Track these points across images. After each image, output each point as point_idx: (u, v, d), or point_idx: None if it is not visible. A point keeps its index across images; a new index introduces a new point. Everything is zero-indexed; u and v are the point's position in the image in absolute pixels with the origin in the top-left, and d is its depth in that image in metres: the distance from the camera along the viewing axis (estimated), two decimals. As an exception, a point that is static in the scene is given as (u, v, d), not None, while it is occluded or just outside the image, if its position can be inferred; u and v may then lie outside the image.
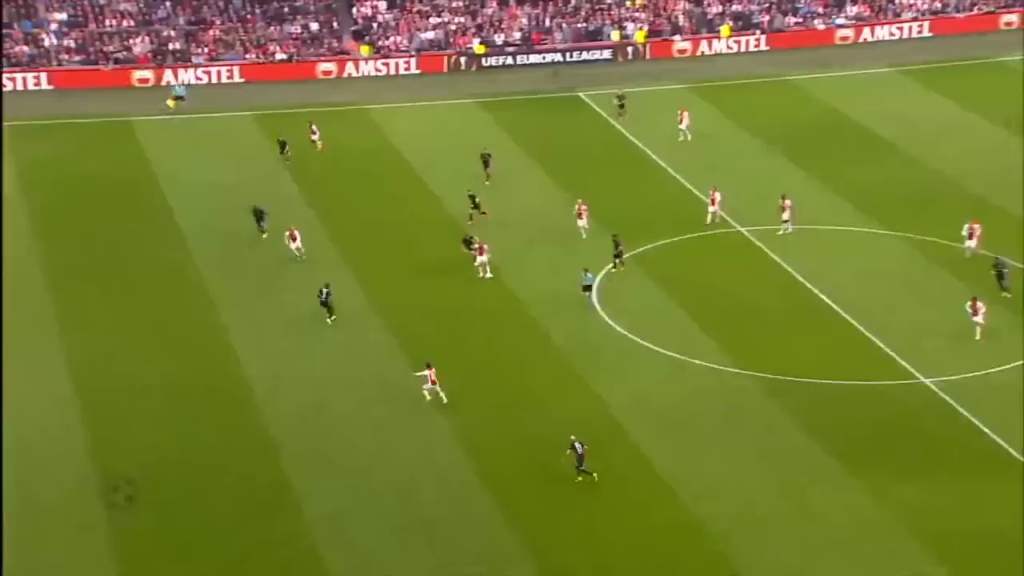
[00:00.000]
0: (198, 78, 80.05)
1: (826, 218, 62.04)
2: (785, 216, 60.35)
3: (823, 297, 54.81)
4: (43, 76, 77.80)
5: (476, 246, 56.50)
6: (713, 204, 61.26)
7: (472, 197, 61.31)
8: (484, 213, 60.85)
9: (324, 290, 52.95)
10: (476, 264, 55.97)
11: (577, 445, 42.86)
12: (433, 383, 46.62)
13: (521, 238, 60.30)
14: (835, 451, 44.67)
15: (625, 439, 45.58)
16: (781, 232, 60.22)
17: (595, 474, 42.96)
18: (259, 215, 59.34)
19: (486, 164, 65.67)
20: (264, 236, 58.21)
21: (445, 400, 46.64)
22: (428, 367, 46.72)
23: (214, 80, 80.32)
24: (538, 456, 44.02)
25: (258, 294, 55.47)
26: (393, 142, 71.34)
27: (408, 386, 48.15)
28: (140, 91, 77.54)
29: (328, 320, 52.81)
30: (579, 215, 59.82)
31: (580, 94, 79.47)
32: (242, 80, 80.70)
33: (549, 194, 65.23)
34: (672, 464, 44.15)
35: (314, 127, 69.41)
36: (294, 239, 57.48)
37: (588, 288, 53.86)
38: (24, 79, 77.21)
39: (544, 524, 41.34)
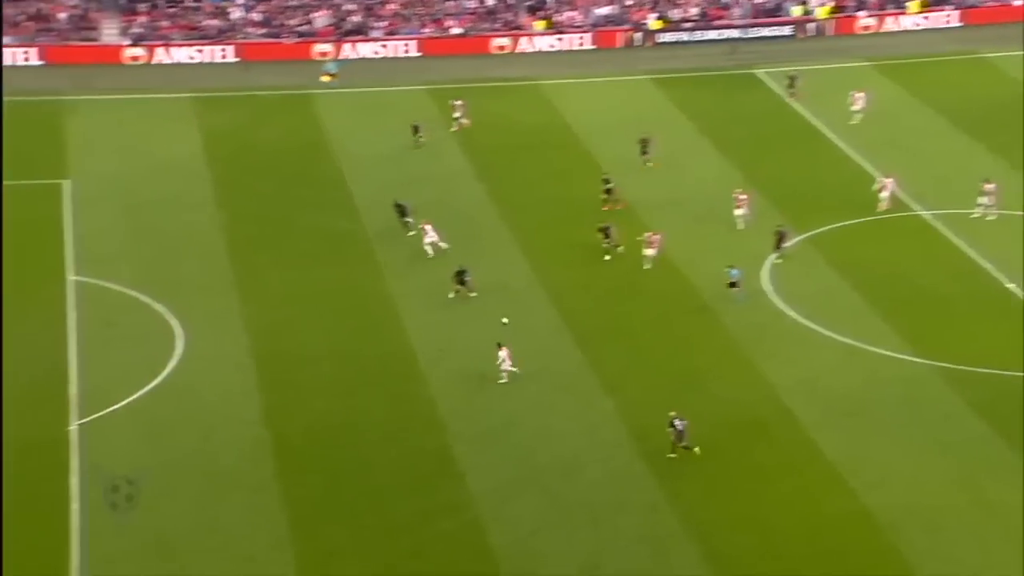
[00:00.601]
0: (375, 52, 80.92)
1: (1015, 203, 59.98)
2: (986, 200, 58.35)
3: (1010, 286, 53.06)
4: (229, 49, 79.41)
5: (610, 239, 55.18)
6: (884, 190, 59.69)
7: (605, 181, 60.50)
8: (617, 201, 59.85)
9: (461, 271, 52.62)
10: (645, 255, 54.94)
11: (677, 422, 42.59)
12: (508, 361, 46.58)
13: (690, 218, 59.72)
14: (1017, 444, 43.31)
15: (794, 424, 44.93)
16: (977, 215, 58.20)
17: (696, 448, 42.57)
18: (402, 211, 57.98)
19: (644, 149, 64.58)
20: (410, 233, 57.43)
21: (517, 372, 46.51)
22: (499, 347, 46.63)
23: (391, 54, 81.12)
24: (703, 438, 43.64)
25: (425, 265, 55.98)
26: (564, 118, 71.23)
27: (572, 363, 48.08)
28: (320, 64, 78.50)
29: (453, 295, 52.21)
30: (738, 205, 58.65)
31: (756, 72, 78.33)
32: (418, 54, 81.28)
33: (721, 174, 64.41)
34: (842, 451, 43.40)
35: (458, 103, 68.89)
36: (426, 234, 56.33)
37: (734, 284, 52.31)
38: (212, 51, 78.97)
39: (708, 508, 41.08)
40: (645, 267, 54.97)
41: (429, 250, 55.93)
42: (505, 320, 47.53)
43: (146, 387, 47.11)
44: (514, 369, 46.63)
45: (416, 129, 66.98)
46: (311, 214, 60.67)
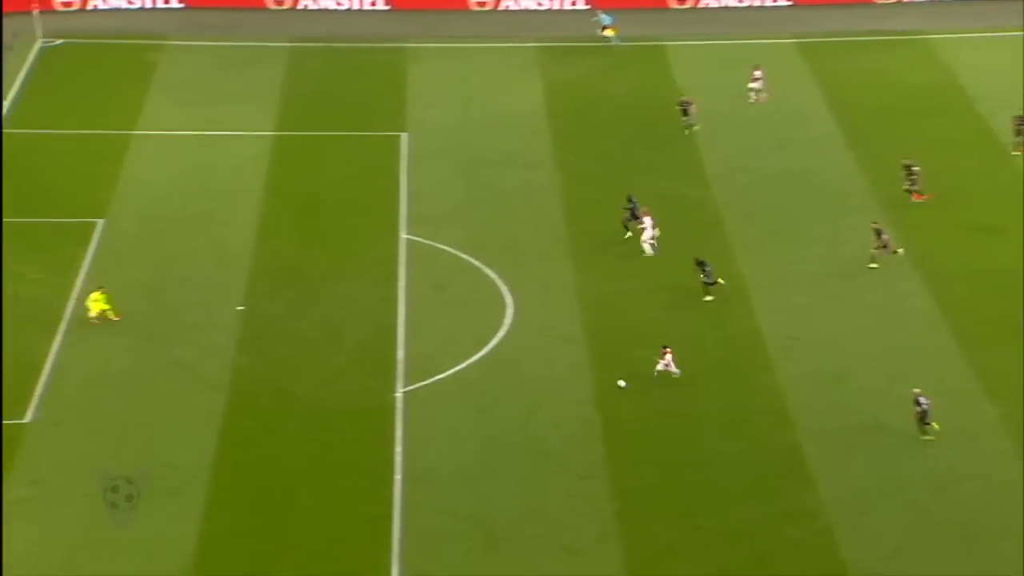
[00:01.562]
0: (739, 0, 79.89)
1: None
2: None
3: None
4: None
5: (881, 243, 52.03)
6: None
7: (908, 167, 57.60)
8: (921, 192, 57.36)
9: (703, 263, 51.49)
10: None
11: (922, 400, 41.15)
12: (666, 366, 46.03)
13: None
14: None
15: None
16: None
17: (936, 424, 41.56)
18: (632, 208, 55.59)
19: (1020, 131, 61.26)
20: (627, 235, 55.27)
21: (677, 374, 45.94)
22: (664, 350, 46.18)
23: (757, 2, 79.77)
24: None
25: (779, 242, 55.64)
26: (957, 79, 68.95)
27: (948, 362, 46.98)
28: (677, 13, 78.09)
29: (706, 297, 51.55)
30: None
31: None
32: (788, 3, 79.80)
33: None
34: None
35: (757, 73, 67.32)
36: (645, 229, 54.35)
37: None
38: (560, 1, 79.62)
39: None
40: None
41: (649, 249, 54.82)
42: (622, 383, 46.40)
43: (472, 357, 48.50)
44: (676, 371, 46.03)
45: (685, 109, 64.54)
46: (657, 179, 60.91)
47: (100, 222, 56.75)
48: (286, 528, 41.02)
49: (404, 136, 64.33)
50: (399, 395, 46.54)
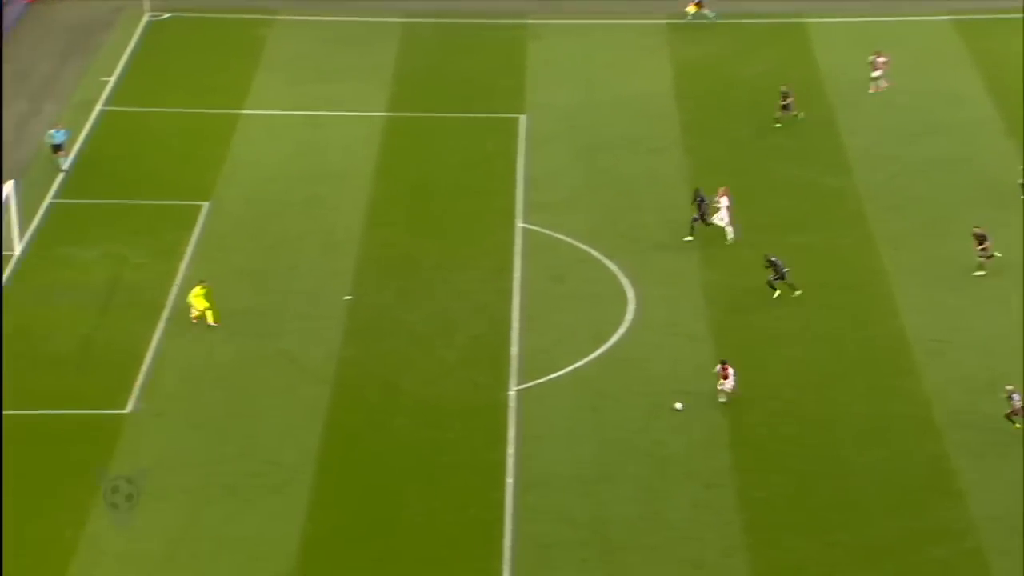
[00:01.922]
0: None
1: None
2: None
3: None
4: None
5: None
6: None
7: None
8: None
9: (776, 264, 50.50)
10: None
11: (1015, 396, 40.36)
12: (724, 379, 45.15)
13: None
14: None
15: None
16: None
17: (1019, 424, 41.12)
18: (699, 202, 54.48)
19: None
20: (689, 239, 54.56)
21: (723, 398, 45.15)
22: (722, 365, 45.17)
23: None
24: None
25: (928, 236, 54.74)
26: None
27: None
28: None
29: (784, 294, 50.76)
30: None
31: None
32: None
33: None
34: None
35: (880, 60, 65.45)
36: (718, 209, 53.93)
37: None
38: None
39: None
40: None
41: (729, 232, 54.29)
42: (679, 406, 45.46)
43: (591, 354, 48.19)
44: (729, 390, 45.26)
45: (784, 98, 63.02)
46: (793, 166, 60.23)
47: (205, 205, 57.12)
48: (392, 531, 40.99)
49: (523, 118, 64.21)
50: (512, 393, 46.48)
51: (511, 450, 44.03)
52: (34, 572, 39.19)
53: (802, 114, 63.08)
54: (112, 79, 67.09)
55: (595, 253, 54.01)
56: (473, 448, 44.26)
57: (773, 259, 50.82)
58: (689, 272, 52.94)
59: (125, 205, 57.05)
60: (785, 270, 50.70)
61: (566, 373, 47.33)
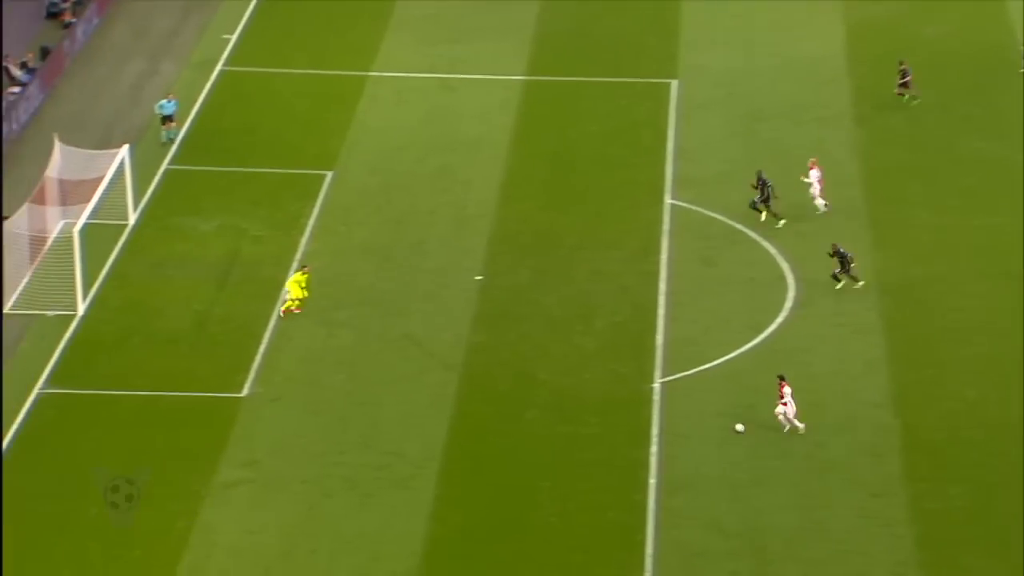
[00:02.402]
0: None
1: None
2: None
3: None
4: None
5: None
6: None
7: None
8: None
9: (843, 255, 49.57)
10: None
11: None
12: (783, 405, 43.54)
13: None
14: None
15: None
16: None
17: None
18: (763, 187, 53.67)
19: None
20: (762, 217, 53.57)
21: (800, 428, 43.64)
22: (781, 381, 43.77)
23: None
24: None
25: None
26: None
27: None
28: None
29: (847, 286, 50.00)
30: None
31: None
32: None
33: None
34: None
35: (903, 67, 62.10)
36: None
37: None
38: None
39: None
40: None
41: (820, 204, 54.07)
42: (740, 428, 43.96)
43: (744, 345, 47.76)
44: (790, 419, 43.72)
45: (903, 76, 61.25)
46: (979, 139, 59.22)
47: (328, 174, 57.25)
48: (524, 533, 40.72)
49: (674, 84, 63.61)
50: (656, 386, 46.16)
51: (654, 448, 43.61)
52: (145, 564, 39.45)
53: (917, 100, 61.40)
54: (233, 37, 67.44)
55: (752, 233, 53.40)
56: (613, 445, 43.82)
57: (841, 250, 50.12)
58: (858, 256, 51.62)
59: (244, 173, 57.40)
60: (852, 263, 49.93)
61: (716, 365, 46.91)
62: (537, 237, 53.52)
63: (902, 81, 61.48)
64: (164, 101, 59.31)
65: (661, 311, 49.41)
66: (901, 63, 61.85)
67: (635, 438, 43.81)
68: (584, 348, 47.85)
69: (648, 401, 45.46)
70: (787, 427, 43.88)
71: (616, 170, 57.45)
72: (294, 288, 49.10)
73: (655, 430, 44.14)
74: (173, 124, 59.12)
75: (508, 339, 48.39)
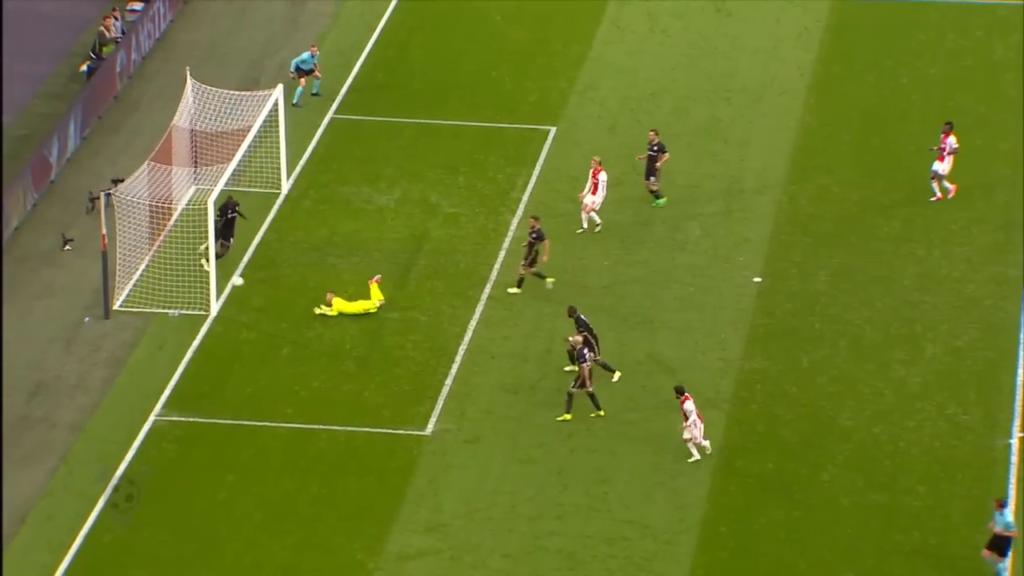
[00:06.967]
0: None
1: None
2: None
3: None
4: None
5: None
6: None
7: None
8: None
9: None
10: None
11: None
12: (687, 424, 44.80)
13: None
14: None
15: None
16: None
17: None
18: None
19: None
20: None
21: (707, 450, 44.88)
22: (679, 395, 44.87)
23: None
24: None
25: None
26: None
27: None
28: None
29: None
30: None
31: None
32: None
33: None
34: None
35: None
36: None
37: None
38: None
39: None
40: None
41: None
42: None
43: None
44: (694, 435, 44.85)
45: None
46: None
47: (551, 130, 57.76)
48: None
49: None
50: (1014, 442, 45.38)
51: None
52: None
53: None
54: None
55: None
56: (947, 525, 42.82)
57: None
58: None
59: (435, 127, 58.10)
60: None
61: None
62: (842, 224, 53.49)
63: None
64: (307, 54, 59.18)
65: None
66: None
67: (980, 515, 42.09)
68: (908, 385, 47.36)
69: (1002, 462, 44.37)
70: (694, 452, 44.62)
71: (964, 132, 55.30)
72: (373, 291, 49.75)
73: (1010, 505, 42.81)
74: (315, 75, 58.52)
75: (796, 368, 47.96)
